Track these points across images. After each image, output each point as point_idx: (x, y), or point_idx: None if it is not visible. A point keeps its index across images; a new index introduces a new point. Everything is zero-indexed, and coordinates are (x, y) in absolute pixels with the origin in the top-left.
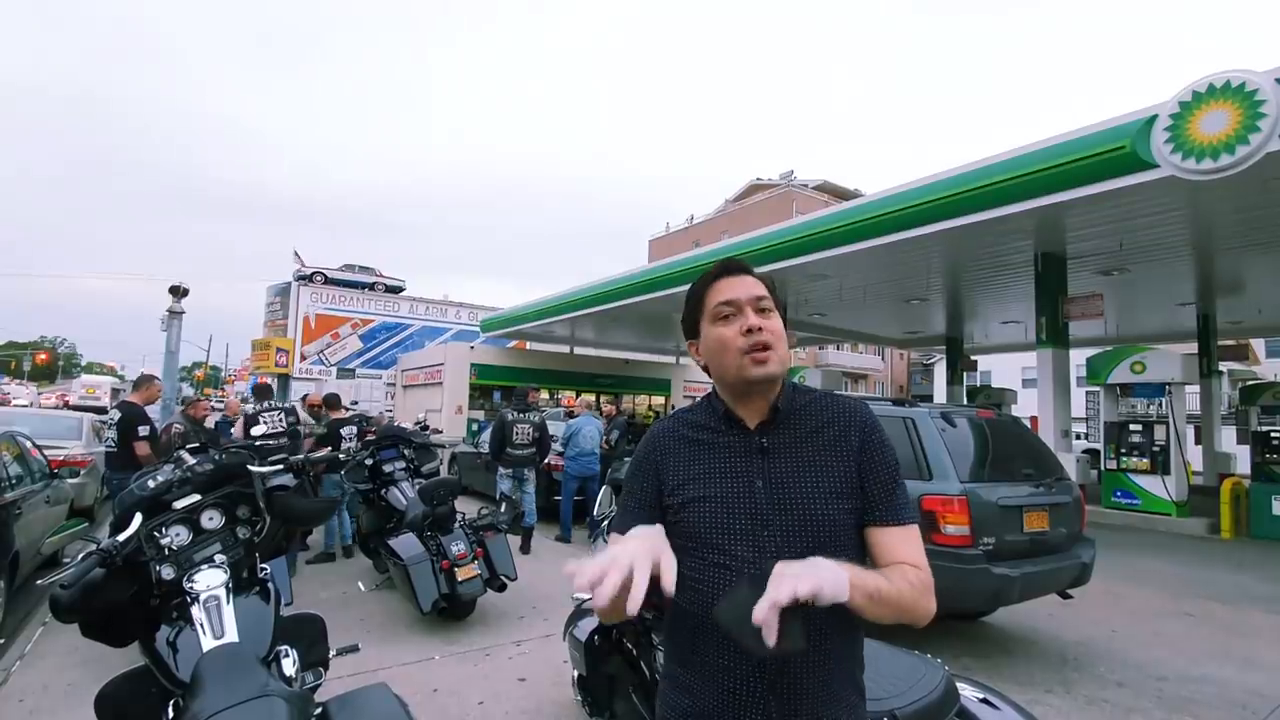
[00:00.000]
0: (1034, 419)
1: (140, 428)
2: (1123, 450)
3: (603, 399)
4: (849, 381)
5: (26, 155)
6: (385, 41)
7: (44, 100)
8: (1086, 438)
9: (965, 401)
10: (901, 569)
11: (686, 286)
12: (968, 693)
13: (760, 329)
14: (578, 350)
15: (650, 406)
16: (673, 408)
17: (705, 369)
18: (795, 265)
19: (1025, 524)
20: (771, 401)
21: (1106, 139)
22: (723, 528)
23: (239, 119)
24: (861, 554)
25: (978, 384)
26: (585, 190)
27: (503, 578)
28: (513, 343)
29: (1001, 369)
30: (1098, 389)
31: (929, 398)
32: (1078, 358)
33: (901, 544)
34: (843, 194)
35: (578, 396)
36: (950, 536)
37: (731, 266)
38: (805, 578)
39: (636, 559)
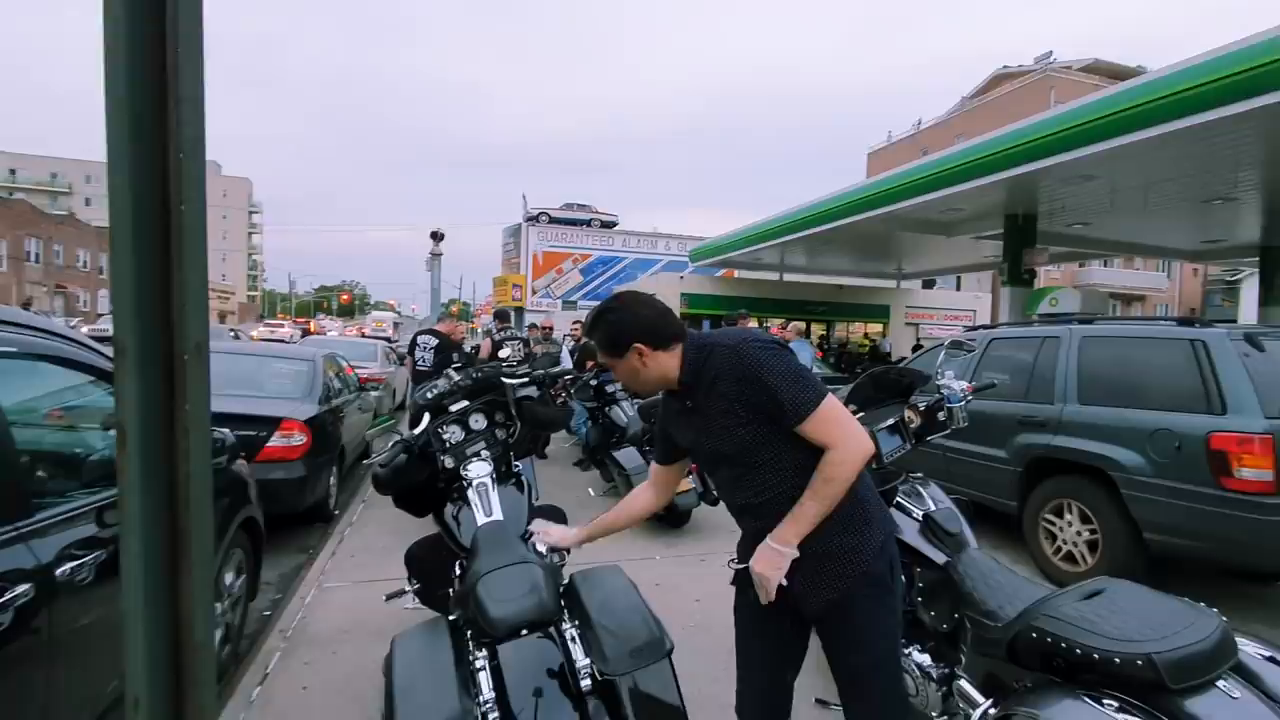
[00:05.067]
0: None
1: (454, 354)
2: None
3: (773, 323)
4: (1119, 304)
5: (316, 130)
6: None
7: (325, 83)
8: None
9: None
10: (820, 468)
11: (909, 201)
12: (1251, 649)
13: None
14: (787, 277)
15: (866, 334)
16: (886, 338)
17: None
18: (1049, 166)
19: None
20: (678, 379)
21: None
22: (701, 460)
23: (475, 81)
24: (789, 450)
25: None
26: (798, 109)
27: (715, 493)
28: (721, 271)
29: None
30: None
31: (1230, 322)
32: None
33: (816, 433)
34: (1119, 74)
35: (786, 324)
36: (1246, 481)
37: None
38: (767, 584)
39: None
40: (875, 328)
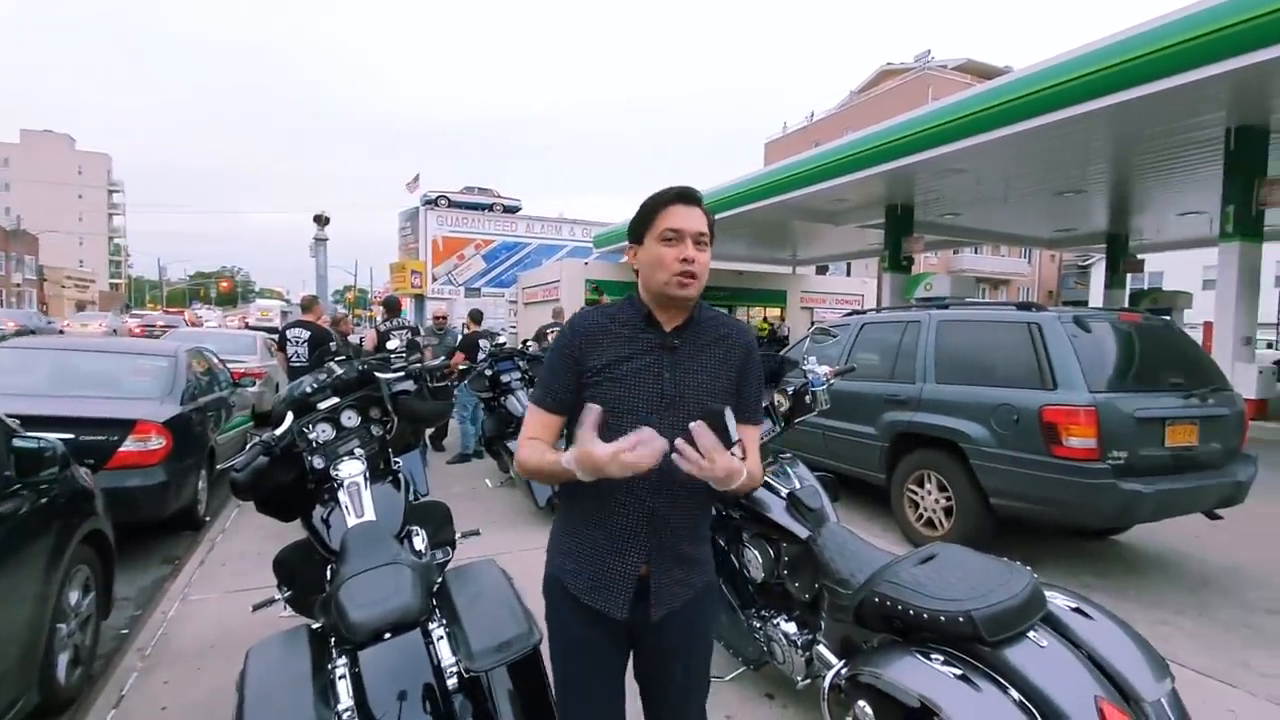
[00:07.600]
0: (1207, 324)
1: (331, 344)
2: None
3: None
4: (986, 288)
5: (189, 99)
6: None
7: (205, 49)
8: (1279, 346)
9: (1127, 306)
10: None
11: (800, 191)
12: (1060, 601)
13: (693, 261)
14: None
15: (765, 318)
16: (784, 321)
17: (635, 271)
18: (924, 160)
19: (1168, 438)
20: (689, 313)
21: None
22: (631, 404)
23: (365, 52)
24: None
25: (1145, 286)
26: (700, 100)
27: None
28: (625, 258)
29: (1177, 269)
30: None
31: (1082, 303)
32: (1275, 253)
33: (749, 439)
34: (989, 73)
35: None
36: (1074, 449)
37: (686, 196)
38: (724, 477)
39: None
40: (774, 312)
